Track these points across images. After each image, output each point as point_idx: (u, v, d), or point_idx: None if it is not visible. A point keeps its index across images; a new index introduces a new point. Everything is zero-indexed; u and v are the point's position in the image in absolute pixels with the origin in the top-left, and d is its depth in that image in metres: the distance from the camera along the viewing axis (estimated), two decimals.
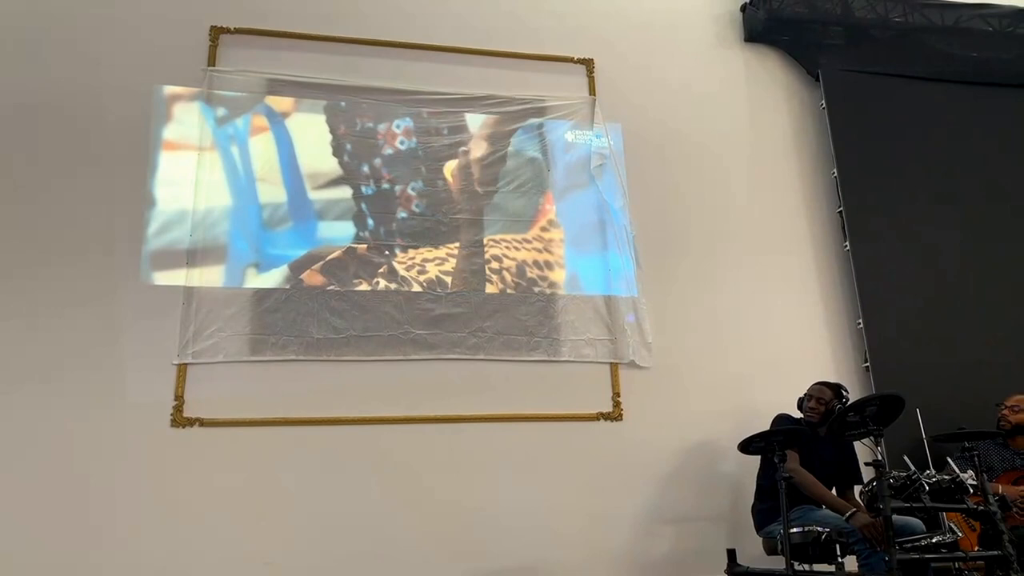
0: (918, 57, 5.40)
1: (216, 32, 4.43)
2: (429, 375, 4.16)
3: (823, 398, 3.80)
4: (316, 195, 4.34)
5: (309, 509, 3.82)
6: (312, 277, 4.19)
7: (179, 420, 3.82)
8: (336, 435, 3.96)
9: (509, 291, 4.40)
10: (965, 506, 3.17)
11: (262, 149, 4.34)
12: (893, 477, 3.14)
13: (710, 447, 4.34)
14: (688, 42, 5.26)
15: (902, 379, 4.37)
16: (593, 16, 5.11)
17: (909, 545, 3.21)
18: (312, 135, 4.42)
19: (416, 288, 4.28)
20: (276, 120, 4.40)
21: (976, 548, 3.50)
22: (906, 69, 5.34)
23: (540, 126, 4.75)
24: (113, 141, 4.15)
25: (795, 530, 3.26)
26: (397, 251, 4.34)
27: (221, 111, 4.32)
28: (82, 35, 4.27)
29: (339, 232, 4.31)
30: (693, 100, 5.11)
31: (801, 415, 3.88)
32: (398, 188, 4.46)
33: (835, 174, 5.03)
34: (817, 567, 3.34)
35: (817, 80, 5.23)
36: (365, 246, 4.31)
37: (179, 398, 3.85)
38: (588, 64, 4.98)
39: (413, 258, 4.35)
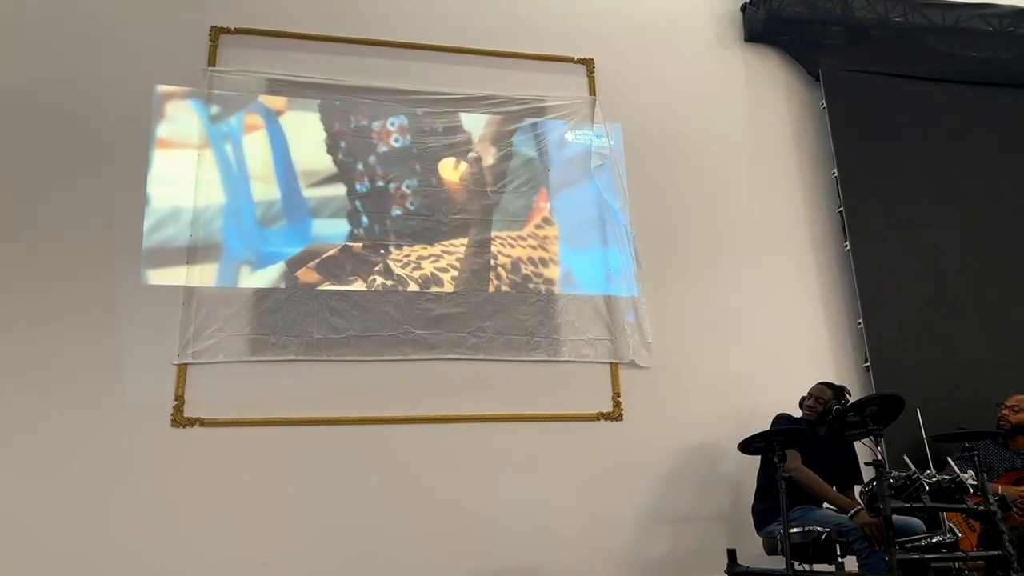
0: (918, 57, 5.40)
1: (216, 32, 4.44)
2: (429, 375, 4.16)
3: (823, 398, 3.80)
4: (310, 193, 4.34)
5: (309, 509, 3.82)
6: (308, 275, 4.19)
7: (179, 420, 3.82)
8: (336, 435, 3.96)
9: (505, 288, 4.40)
10: (965, 506, 3.17)
11: (256, 147, 4.33)
12: (893, 477, 3.13)
13: (710, 447, 4.34)
14: (688, 42, 5.26)
15: (902, 379, 4.37)
16: (593, 16, 5.11)
17: (909, 545, 3.21)
18: (306, 133, 4.42)
19: (412, 286, 4.28)
20: (270, 118, 4.40)
21: (976, 548, 3.50)
22: (906, 69, 5.34)
23: (535, 124, 4.75)
24: (113, 141, 4.15)
25: (795, 530, 3.26)
26: (392, 249, 4.34)
27: (215, 108, 4.31)
28: (82, 35, 4.27)
29: (333, 230, 4.31)
30: (693, 100, 5.11)
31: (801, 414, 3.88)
32: (392, 186, 4.46)
33: (835, 174, 5.03)
34: (817, 567, 3.35)
35: (817, 80, 5.23)
36: (361, 244, 4.31)
37: (179, 398, 3.85)
38: (588, 64, 4.98)
39: (408, 255, 4.35)
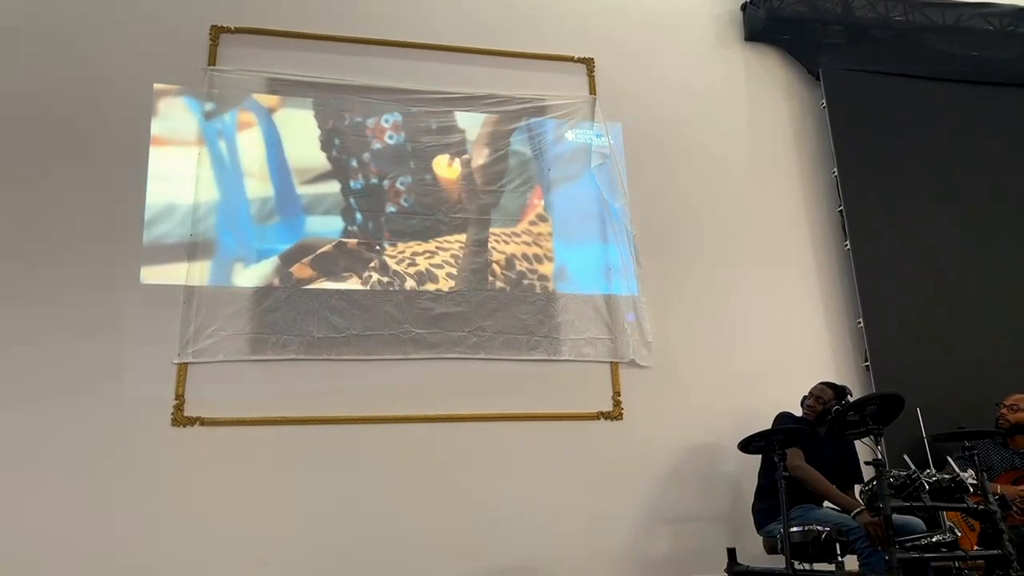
0: (919, 56, 5.39)
1: (216, 31, 4.44)
2: (429, 374, 4.16)
3: (823, 398, 3.80)
4: (304, 190, 4.34)
5: (309, 508, 3.83)
6: (302, 271, 4.19)
7: (180, 419, 3.82)
8: (336, 434, 3.96)
9: (500, 284, 4.40)
10: (965, 505, 3.17)
11: (250, 144, 4.33)
12: (893, 476, 3.13)
13: (710, 446, 4.34)
14: (688, 41, 5.26)
15: (902, 378, 4.37)
16: (594, 15, 5.11)
17: (909, 544, 3.21)
18: (300, 130, 4.41)
19: (409, 281, 4.29)
20: (264, 115, 4.40)
21: (975, 547, 3.50)
22: (907, 68, 5.34)
23: (533, 123, 4.74)
24: (113, 140, 4.15)
25: (795, 529, 3.26)
26: (387, 245, 4.34)
27: (209, 105, 4.31)
28: (83, 35, 4.27)
29: (327, 227, 4.31)
30: (693, 99, 5.11)
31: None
32: (387, 183, 4.46)
33: (835, 173, 5.03)
34: (817, 566, 3.35)
35: (817, 79, 5.23)
36: (355, 240, 4.32)
37: (180, 397, 3.85)
38: (588, 63, 4.98)
39: (403, 252, 4.35)
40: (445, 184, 4.54)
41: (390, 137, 4.52)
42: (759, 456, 3.76)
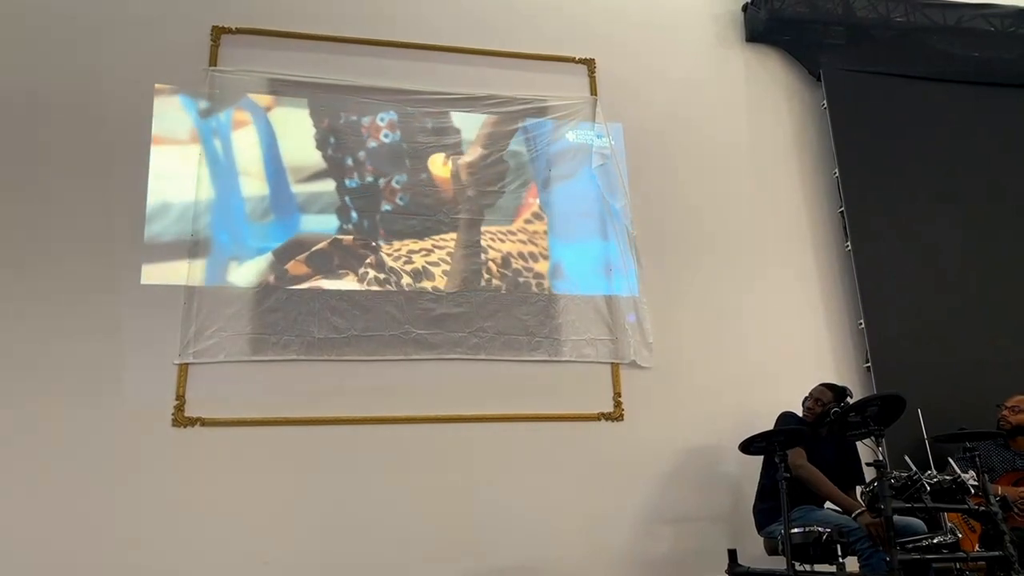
0: (919, 57, 5.39)
1: (217, 32, 4.44)
2: (430, 375, 4.16)
3: (822, 399, 3.80)
4: (299, 188, 4.34)
5: (309, 509, 3.83)
6: (297, 267, 4.19)
7: (180, 420, 3.82)
8: (337, 435, 3.96)
9: (496, 282, 4.40)
10: (966, 507, 3.17)
11: (245, 142, 4.32)
12: (894, 477, 3.13)
13: (711, 447, 4.33)
14: (689, 42, 5.26)
15: (903, 379, 4.37)
16: (594, 16, 5.10)
17: (910, 545, 3.21)
18: (296, 128, 4.41)
19: (405, 279, 4.28)
20: (259, 113, 4.40)
21: (976, 549, 3.50)
22: (908, 69, 5.34)
23: (531, 122, 4.74)
24: (114, 141, 4.14)
25: (796, 530, 3.26)
26: (382, 243, 4.34)
27: (203, 104, 4.30)
28: (84, 36, 4.27)
29: (322, 225, 4.30)
30: (694, 100, 5.11)
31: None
32: (382, 181, 4.46)
33: (836, 174, 5.03)
34: (818, 567, 3.35)
35: (818, 80, 5.23)
36: (351, 237, 4.31)
37: (180, 398, 3.85)
38: (589, 64, 4.98)
39: (399, 249, 4.35)
40: (441, 183, 4.53)
41: (386, 136, 4.52)
42: (760, 457, 3.75)
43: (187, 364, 3.90)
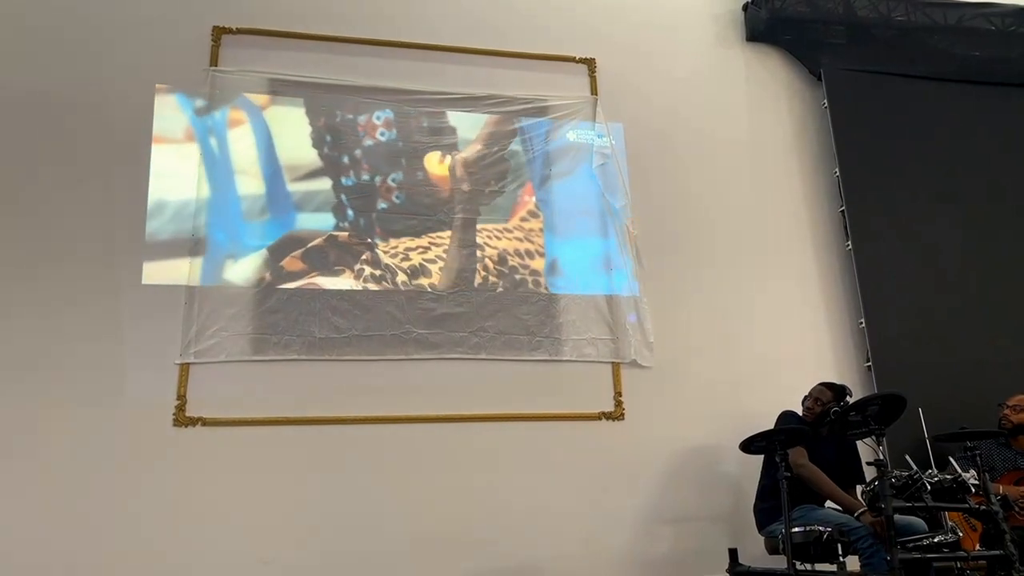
0: (920, 56, 5.39)
1: (218, 32, 4.44)
2: (431, 375, 4.17)
3: (822, 399, 3.80)
4: (295, 187, 4.34)
5: (310, 509, 3.83)
6: (293, 264, 4.19)
7: (181, 420, 3.83)
8: (338, 435, 3.96)
9: (492, 279, 4.40)
10: (967, 506, 3.17)
11: (241, 141, 4.32)
12: (895, 477, 3.13)
13: (711, 446, 4.33)
14: (690, 42, 5.26)
15: (904, 378, 4.37)
16: (595, 16, 5.11)
17: (911, 544, 3.21)
18: (291, 127, 4.41)
19: (401, 276, 4.29)
20: (255, 112, 4.40)
21: (977, 548, 3.50)
22: (908, 68, 5.34)
23: (531, 122, 4.74)
24: (115, 141, 4.15)
25: (797, 529, 3.26)
26: (378, 240, 4.34)
27: (199, 103, 4.30)
28: (84, 35, 4.27)
29: (318, 223, 4.31)
30: (695, 99, 5.11)
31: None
32: (378, 179, 4.46)
33: (837, 173, 5.03)
34: (819, 567, 3.34)
35: (819, 79, 5.23)
36: (347, 234, 4.32)
37: (181, 397, 3.86)
38: (590, 64, 4.98)
39: (395, 247, 4.35)
40: (438, 181, 4.54)
41: (382, 134, 4.52)
42: (760, 456, 3.75)
43: (188, 364, 3.91)
